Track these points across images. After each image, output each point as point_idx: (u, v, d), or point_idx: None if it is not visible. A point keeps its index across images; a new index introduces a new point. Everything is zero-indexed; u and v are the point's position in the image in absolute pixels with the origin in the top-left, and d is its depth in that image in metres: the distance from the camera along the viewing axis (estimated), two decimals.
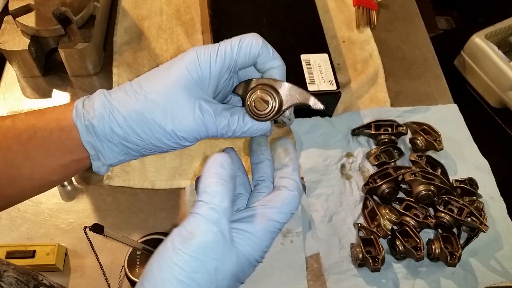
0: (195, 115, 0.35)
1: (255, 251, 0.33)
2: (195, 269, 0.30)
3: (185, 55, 0.36)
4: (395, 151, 0.72)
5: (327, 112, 0.77)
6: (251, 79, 0.38)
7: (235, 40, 0.36)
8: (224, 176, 0.33)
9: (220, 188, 0.32)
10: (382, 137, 0.73)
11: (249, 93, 0.37)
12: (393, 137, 0.73)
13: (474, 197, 0.69)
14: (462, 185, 0.69)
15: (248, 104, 0.37)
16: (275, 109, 0.37)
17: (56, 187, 0.68)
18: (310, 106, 0.38)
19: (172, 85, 0.35)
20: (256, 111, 0.37)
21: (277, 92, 0.37)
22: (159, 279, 0.31)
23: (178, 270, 0.30)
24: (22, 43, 0.73)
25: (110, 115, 0.35)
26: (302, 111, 0.75)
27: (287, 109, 0.38)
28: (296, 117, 0.68)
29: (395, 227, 0.65)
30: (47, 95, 0.78)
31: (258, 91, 0.37)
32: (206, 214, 0.31)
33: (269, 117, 0.37)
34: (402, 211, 0.66)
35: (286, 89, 0.37)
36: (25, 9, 0.73)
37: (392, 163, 0.70)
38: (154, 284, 0.31)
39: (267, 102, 0.37)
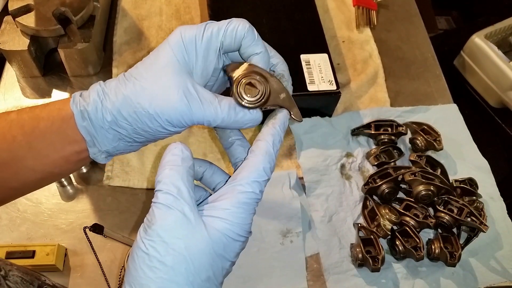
0: (178, 97, 0.35)
1: (230, 225, 0.32)
2: (163, 253, 0.31)
3: (170, 37, 0.36)
4: (395, 151, 0.72)
5: (327, 112, 0.77)
6: (243, 62, 0.36)
7: (222, 22, 0.36)
8: (175, 161, 0.34)
9: (170, 173, 0.33)
10: (382, 137, 0.73)
11: (239, 77, 0.36)
12: (393, 137, 0.73)
13: (474, 197, 0.69)
14: (462, 185, 0.69)
15: (237, 88, 0.35)
16: (264, 98, 0.36)
17: (56, 187, 0.68)
18: (290, 114, 0.37)
19: (158, 69, 0.35)
20: (244, 96, 0.35)
21: (267, 82, 0.36)
22: (133, 269, 0.32)
23: (148, 257, 0.31)
24: (22, 43, 0.73)
25: (102, 100, 0.36)
26: (302, 111, 0.75)
27: (269, 106, 0.36)
28: None
29: (395, 227, 0.65)
30: (47, 95, 0.78)
31: (248, 76, 0.35)
32: (161, 199, 0.32)
33: (256, 104, 0.36)
34: (402, 211, 0.66)
35: (276, 86, 0.36)
36: (25, 9, 0.73)
37: (392, 163, 0.70)
38: (131, 277, 0.32)
39: (256, 89, 0.35)
